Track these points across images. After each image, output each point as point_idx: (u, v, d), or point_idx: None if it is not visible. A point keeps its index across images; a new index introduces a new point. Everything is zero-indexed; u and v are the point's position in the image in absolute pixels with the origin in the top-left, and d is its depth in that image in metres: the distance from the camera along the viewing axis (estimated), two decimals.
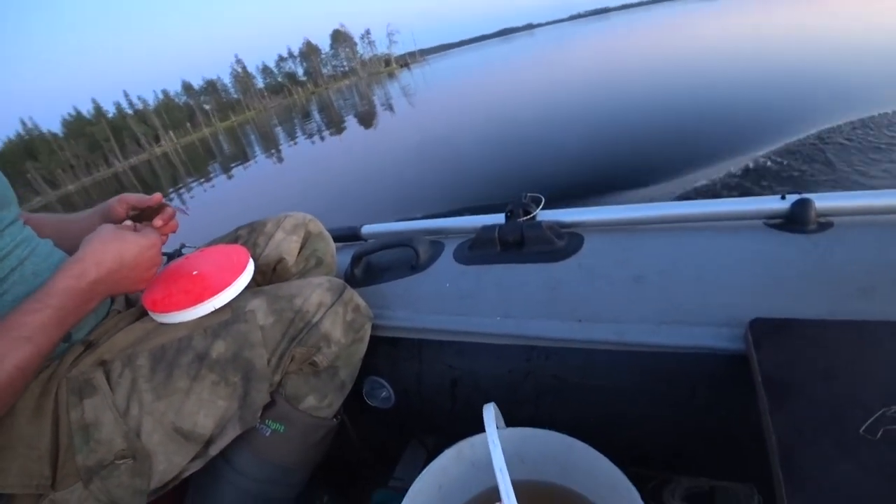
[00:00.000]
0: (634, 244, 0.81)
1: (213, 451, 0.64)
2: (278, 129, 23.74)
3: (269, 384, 0.66)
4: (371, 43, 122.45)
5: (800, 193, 0.74)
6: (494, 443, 0.46)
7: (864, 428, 0.44)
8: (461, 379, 0.78)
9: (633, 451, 0.71)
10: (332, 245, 0.91)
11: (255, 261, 0.76)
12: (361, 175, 6.80)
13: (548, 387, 0.72)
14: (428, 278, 0.89)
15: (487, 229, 0.89)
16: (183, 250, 1.03)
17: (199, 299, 0.66)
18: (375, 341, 0.81)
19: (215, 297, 0.66)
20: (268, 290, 0.72)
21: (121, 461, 0.57)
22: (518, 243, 0.87)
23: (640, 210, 0.86)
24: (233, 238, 0.84)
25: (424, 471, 0.63)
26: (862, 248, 0.66)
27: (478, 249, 0.90)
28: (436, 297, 0.84)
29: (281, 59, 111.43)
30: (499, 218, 0.95)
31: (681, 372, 0.63)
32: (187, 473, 0.63)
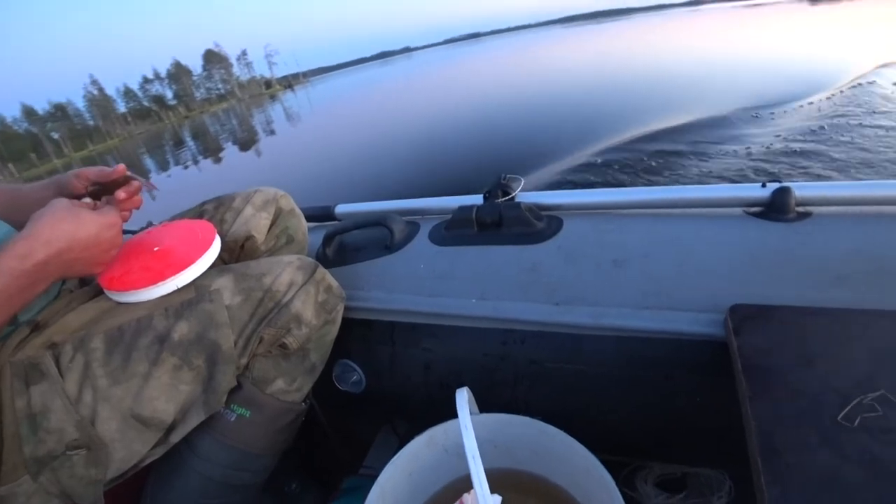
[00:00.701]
0: (614, 228, 0.80)
1: (175, 437, 0.61)
2: (147, 159, 21.56)
3: (236, 367, 0.63)
4: (248, 64, 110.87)
5: (780, 182, 0.74)
6: (467, 428, 0.44)
7: (842, 415, 0.44)
8: (435, 362, 0.76)
9: (608, 437, 0.70)
10: (304, 223, 0.87)
11: (221, 237, 0.72)
12: None
13: (524, 371, 0.70)
14: (402, 259, 0.86)
15: (464, 209, 0.87)
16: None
17: (161, 277, 0.61)
18: (347, 323, 0.78)
19: (178, 274, 0.62)
20: (235, 269, 0.68)
21: (73, 451, 0.54)
22: (496, 224, 0.84)
23: (621, 194, 0.85)
24: (198, 213, 0.79)
25: (395, 457, 0.61)
26: (839, 237, 0.66)
27: (454, 230, 0.87)
28: (410, 279, 0.81)
29: (146, 80, 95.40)
30: (476, 199, 0.93)
31: (659, 357, 0.62)
32: (148, 461, 0.60)
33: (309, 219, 1.09)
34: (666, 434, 0.68)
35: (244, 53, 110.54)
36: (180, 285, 0.63)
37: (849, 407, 0.44)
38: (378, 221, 0.91)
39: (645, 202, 0.82)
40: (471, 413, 0.61)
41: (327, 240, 0.92)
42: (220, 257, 0.73)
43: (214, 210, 0.79)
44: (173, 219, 0.79)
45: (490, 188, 0.91)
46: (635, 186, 0.88)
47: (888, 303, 0.55)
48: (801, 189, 0.72)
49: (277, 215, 0.82)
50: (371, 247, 0.91)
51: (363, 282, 0.83)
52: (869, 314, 0.53)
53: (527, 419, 0.60)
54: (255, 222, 0.77)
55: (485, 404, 0.62)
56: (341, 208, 1.08)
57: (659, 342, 0.62)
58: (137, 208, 0.67)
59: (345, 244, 0.95)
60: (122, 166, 0.65)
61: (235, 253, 0.77)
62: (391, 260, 0.86)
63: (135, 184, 0.65)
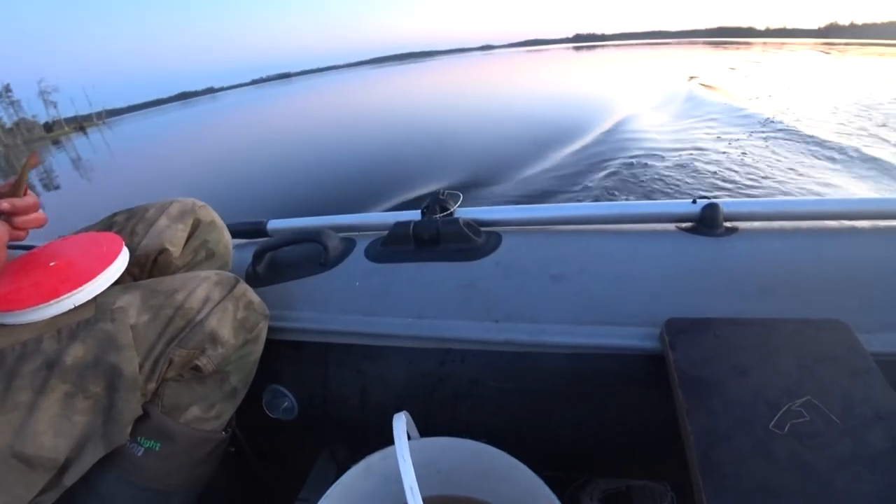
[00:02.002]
0: (553, 243, 0.80)
1: (70, 479, 0.53)
2: None
3: (141, 394, 0.56)
4: (14, 103, 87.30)
5: (709, 199, 0.77)
6: (404, 458, 0.41)
7: (773, 423, 0.45)
8: (371, 385, 0.73)
9: (553, 453, 0.69)
10: (227, 236, 0.81)
11: (132, 250, 0.65)
12: None
13: (464, 391, 0.68)
14: (337, 276, 0.82)
15: (401, 225, 0.84)
16: None
17: (55, 294, 0.54)
18: (277, 346, 0.73)
19: (76, 291, 0.55)
20: (145, 285, 0.61)
21: None
22: (434, 240, 0.82)
23: (560, 210, 0.85)
24: (107, 225, 0.71)
25: (330, 489, 0.56)
26: (763, 250, 0.70)
27: (391, 246, 0.84)
28: (345, 297, 0.77)
29: None
30: (415, 214, 0.90)
31: (598, 372, 0.62)
32: None
33: (240, 235, 1.03)
34: (610, 448, 0.67)
35: (7, 89, 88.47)
36: (78, 303, 0.55)
37: (779, 414, 0.45)
38: (311, 237, 0.86)
39: (582, 218, 0.83)
40: (411, 437, 0.58)
41: (257, 256, 0.86)
42: (129, 273, 0.65)
43: (125, 221, 0.71)
44: (79, 232, 0.71)
45: (428, 203, 0.89)
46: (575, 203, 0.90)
47: (809, 311, 0.58)
48: (729, 206, 0.76)
49: (195, 227, 0.75)
50: (304, 264, 0.86)
51: (295, 301, 0.78)
52: (794, 323, 0.55)
53: (468, 442, 0.57)
54: (170, 234, 0.70)
55: (425, 426, 0.59)
56: (274, 224, 1.02)
57: (598, 357, 0.62)
58: (39, 227, 0.60)
59: (276, 261, 0.90)
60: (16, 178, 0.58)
61: (147, 268, 0.70)
62: (325, 278, 0.82)
63: (30, 198, 0.58)
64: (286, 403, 0.78)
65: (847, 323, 0.54)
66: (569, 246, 0.78)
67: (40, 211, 0.60)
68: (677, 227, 0.77)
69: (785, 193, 3.45)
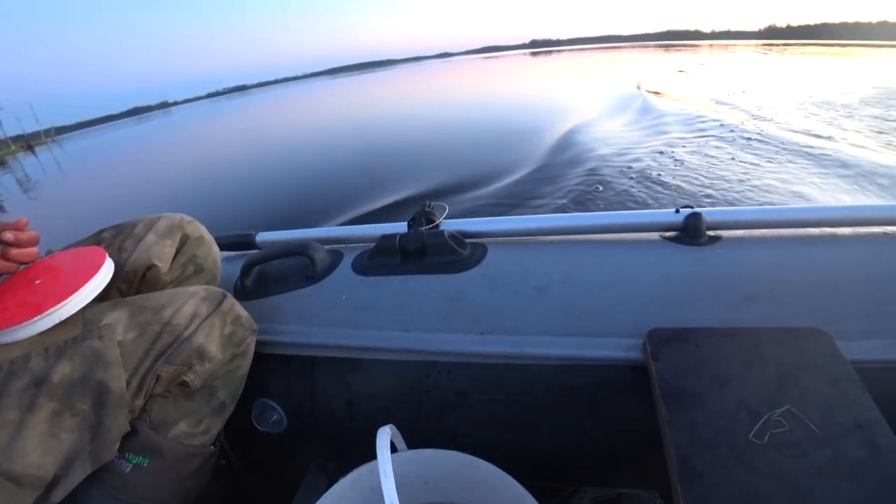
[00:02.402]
0: (537, 254, 0.80)
1: (58, 496, 0.53)
2: None
3: (129, 410, 0.56)
4: None
5: (692, 208, 0.78)
6: (386, 474, 0.41)
7: (753, 433, 0.45)
8: (358, 397, 0.73)
9: (540, 464, 0.69)
10: (216, 250, 0.81)
11: (120, 267, 0.65)
12: None
13: (451, 403, 0.68)
14: (324, 290, 0.82)
15: (388, 238, 0.85)
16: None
17: (39, 310, 0.54)
18: (265, 360, 0.73)
19: (60, 305, 0.55)
20: (132, 301, 0.61)
21: None
22: (419, 253, 0.83)
23: (544, 221, 0.86)
24: (94, 241, 0.71)
25: (319, 501, 0.57)
26: (745, 259, 0.70)
27: (377, 259, 0.85)
28: (331, 310, 0.77)
29: None
30: (401, 227, 0.91)
31: (584, 383, 0.63)
32: None
33: (228, 247, 1.03)
34: (596, 458, 0.68)
35: None
36: (64, 317, 0.55)
37: (759, 424, 0.46)
38: (298, 251, 0.87)
39: (567, 228, 0.84)
40: (398, 449, 0.59)
41: (245, 270, 0.86)
42: (117, 289, 0.65)
43: (112, 238, 0.71)
44: (66, 249, 0.71)
45: (414, 216, 0.89)
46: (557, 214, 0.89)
47: (791, 319, 0.58)
48: (711, 215, 0.76)
49: (184, 243, 0.75)
50: (292, 277, 0.86)
51: (283, 314, 0.79)
52: (775, 332, 0.56)
53: (455, 454, 0.58)
54: (159, 250, 0.70)
55: (412, 438, 0.59)
56: (262, 236, 1.02)
57: (583, 368, 0.62)
58: (29, 261, 0.60)
59: (264, 275, 0.90)
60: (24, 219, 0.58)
61: (135, 284, 0.70)
62: (312, 291, 0.82)
63: (32, 232, 0.58)
64: (275, 416, 0.78)
65: (828, 331, 0.54)
66: (553, 257, 0.79)
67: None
68: (661, 236, 0.78)
69: (750, 189, 3.51)
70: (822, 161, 4.00)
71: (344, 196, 4.63)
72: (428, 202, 0.91)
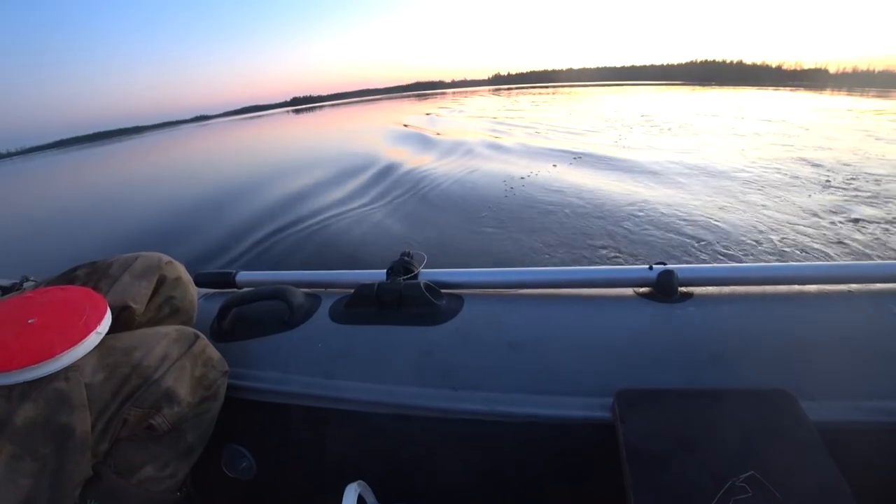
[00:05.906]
0: (513, 308, 0.81)
1: None
2: None
3: (93, 455, 0.55)
4: None
5: (665, 264, 0.80)
6: None
7: (716, 500, 0.45)
8: (330, 448, 0.72)
9: None
10: (193, 291, 0.80)
11: None
12: None
13: (421, 458, 0.68)
14: (300, 336, 0.82)
15: (366, 287, 0.85)
16: (25, 285, 0.85)
17: (36, 359, 0.53)
18: (237, 404, 0.72)
19: (50, 360, 0.54)
20: (103, 341, 0.60)
21: None
22: (396, 303, 0.83)
23: (521, 274, 0.87)
24: (69, 279, 0.71)
25: None
26: (714, 317, 0.71)
27: (354, 307, 0.84)
28: (306, 358, 0.77)
29: None
30: (380, 275, 0.91)
31: (554, 442, 0.63)
32: None
33: (208, 284, 1.02)
34: None
35: None
36: (51, 372, 0.54)
37: (723, 490, 0.46)
38: (276, 295, 0.87)
39: (544, 282, 0.85)
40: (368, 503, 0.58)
41: (222, 312, 0.85)
42: None
43: (87, 277, 0.71)
44: (49, 283, 0.70)
45: (392, 265, 0.90)
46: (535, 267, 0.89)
47: (758, 379, 0.59)
48: (683, 272, 0.78)
49: (161, 283, 0.74)
50: (269, 321, 0.86)
51: (257, 359, 0.78)
52: (741, 393, 0.56)
53: None
54: (134, 291, 0.70)
55: (383, 492, 0.59)
56: (243, 276, 1.02)
57: (553, 426, 0.62)
58: None
59: (241, 317, 0.89)
60: None
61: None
62: (288, 337, 0.82)
63: None
64: (245, 463, 0.76)
65: (793, 391, 0.55)
66: (528, 312, 0.79)
67: None
68: (635, 292, 0.80)
69: None
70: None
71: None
72: (407, 251, 0.92)
